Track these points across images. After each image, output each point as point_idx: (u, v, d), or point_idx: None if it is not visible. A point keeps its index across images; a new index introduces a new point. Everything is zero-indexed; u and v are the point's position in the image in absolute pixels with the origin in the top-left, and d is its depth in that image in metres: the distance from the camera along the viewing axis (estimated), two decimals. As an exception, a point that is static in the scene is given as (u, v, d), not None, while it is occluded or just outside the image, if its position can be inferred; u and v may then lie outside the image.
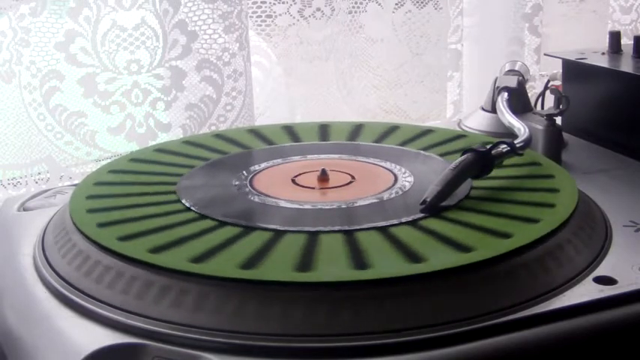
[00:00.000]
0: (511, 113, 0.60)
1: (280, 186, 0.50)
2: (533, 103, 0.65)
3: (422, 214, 0.44)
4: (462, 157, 0.48)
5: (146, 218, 0.45)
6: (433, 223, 0.43)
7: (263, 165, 0.54)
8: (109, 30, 0.67)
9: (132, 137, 0.70)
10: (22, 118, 0.66)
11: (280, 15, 0.76)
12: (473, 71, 0.89)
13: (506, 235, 0.41)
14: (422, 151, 0.56)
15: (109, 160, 0.67)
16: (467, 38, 0.88)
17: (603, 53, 0.68)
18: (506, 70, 0.67)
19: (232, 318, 0.36)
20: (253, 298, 0.37)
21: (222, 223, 0.44)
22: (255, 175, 0.52)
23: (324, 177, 0.51)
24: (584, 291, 0.39)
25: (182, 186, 0.50)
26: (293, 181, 0.51)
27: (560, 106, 0.59)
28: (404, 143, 0.58)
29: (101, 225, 0.44)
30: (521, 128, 0.56)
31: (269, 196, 0.48)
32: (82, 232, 0.43)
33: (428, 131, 0.61)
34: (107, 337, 0.36)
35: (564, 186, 0.48)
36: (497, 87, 0.65)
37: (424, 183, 0.48)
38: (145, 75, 0.70)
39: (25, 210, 0.53)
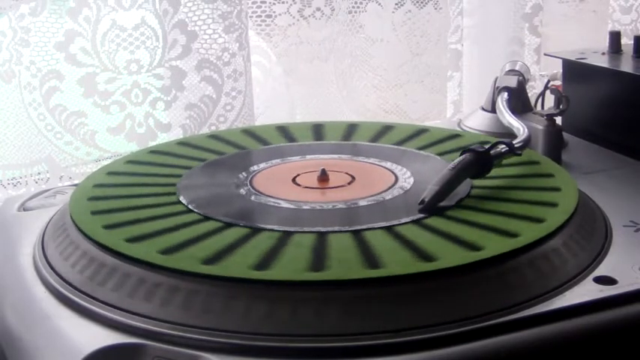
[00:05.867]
0: (511, 113, 0.60)
1: (280, 186, 0.50)
2: (533, 103, 0.65)
3: (422, 214, 0.44)
4: (461, 157, 0.48)
5: (147, 218, 0.45)
6: (434, 223, 0.43)
7: (263, 165, 0.54)
8: (108, 30, 0.67)
9: (132, 137, 0.70)
10: (22, 118, 0.66)
11: (280, 15, 0.76)
12: (473, 71, 0.89)
13: (506, 236, 0.41)
14: (422, 151, 0.56)
15: (109, 160, 0.67)
16: (467, 38, 0.88)
17: (603, 53, 0.68)
18: (507, 70, 0.67)
19: (232, 318, 0.36)
20: (254, 298, 0.37)
21: (224, 224, 0.44)
22: (255, 174, 0.52)
23: (323, 177, 0.51)
24: (584, 291, 0.39)
25: (182, 185, 0.50)
26: (293, 181, 0.51)
27: (560, 106, 0.59)
28: (400, 143, 0.58)
29: (101, 224, 0.44)
30: (520, 128, 0.56)
31: (268, 196, 0.48)
32: (82, 232, 0.43)
33: (423, 130, 0.61)
34: (107, 337, 0.36)
35: (564, 186, 0.48)
36: (497, 87, 0.64)
37: (424, 183, 0.48)
38: (145, 75, 0.70)
39: (25, 210, 0.53)
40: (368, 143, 0.59)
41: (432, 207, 0.45)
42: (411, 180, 0.50)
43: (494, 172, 0.49)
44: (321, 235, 0.42)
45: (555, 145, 0.58)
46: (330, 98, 0.82)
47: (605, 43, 0.69)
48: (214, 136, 0.61)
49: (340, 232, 0.42)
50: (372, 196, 0.48)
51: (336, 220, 0.45)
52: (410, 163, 0.54)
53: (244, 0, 0.72)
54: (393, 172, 0.52)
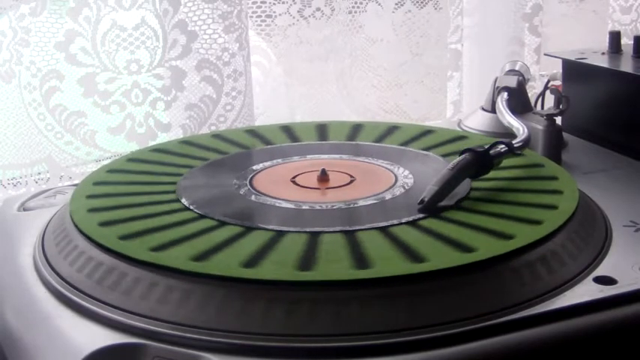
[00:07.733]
0: (510, 113, 0.60)
1: (280, 186, 0.50)
2: (533, 103, 0.65)
3: (422, 214, 0.44)
4: (460, 157, 0.48)
5: (146, 218, 0.45)
6: (433, 223, 0.43)
7: (263, 165, 0.54)
8: (109, 30, 0.67)
9: (132, 137, 0.70)
10: (22, 118, 0.66)
11: (280, 15, 0.76)
12: (473, 71, 0.89)
13: (506, 236, 0.41)
14: (422, 151, 0.56)
15: (109, 160, 0.67)
16: (467, 38, 0.88)
17: (603, 53, 0.68)
18: (507, 70, 0.67)
19: (233, 318, 0.36)
20: (254, 298, 0.37)
21: (222, 223, 0.44)
22: (255, 175, 0.52)
23: (323, 177, 0.51)
24: (584, 291, 0.39)
25: (182, 185, 0.50)
26: (293, 181, 0.51)
27: (560, 106, 0.59)
28: (405, 143, 0.58)
29: (101, 225, 0.44)
30: (520, 128, 0.57)
31: (268, 196, 0.48)
32: (82, 232, 0.43)
33: (428, 132, 0.61)
34: (107, 337, 0.36)
35: (564, 186, 0.48)
36: (497, 87, 0.64)
37: (425, 183, 0.48)
38: (145, 75, 0.70)
39: (25, 210, 0.53)
40: (369, 143, 0.59)
41: (432, 207, 0.45)
42: (411, 180, 0.50)
43: (493, 172, 0.49)
44: (319, 235, 0.42)
45: (555, 145, 0.58)
46: (330, 98, 0.82)
47: (605, 43, 0.69)
48: (187, 142, 0.60)
49: (342, 231, 0.43)
50: (372, 196, 0.48)
51: (335, 220, 0.45)
52: (410, 163, 0.54)
53: (244, 0, 0.72)
54: (392, 172, 0.52)
